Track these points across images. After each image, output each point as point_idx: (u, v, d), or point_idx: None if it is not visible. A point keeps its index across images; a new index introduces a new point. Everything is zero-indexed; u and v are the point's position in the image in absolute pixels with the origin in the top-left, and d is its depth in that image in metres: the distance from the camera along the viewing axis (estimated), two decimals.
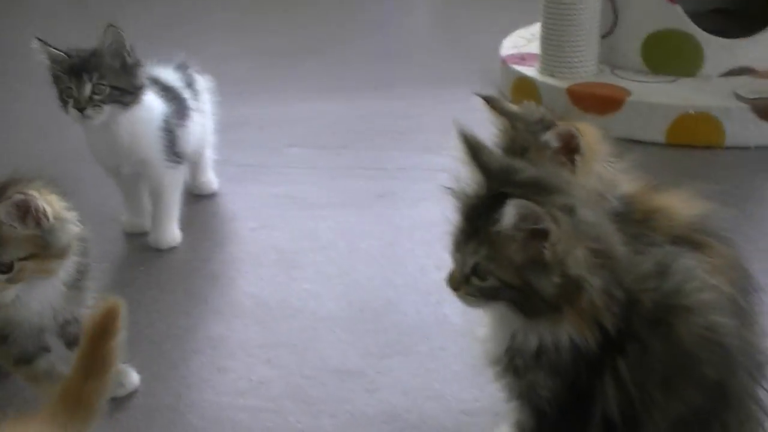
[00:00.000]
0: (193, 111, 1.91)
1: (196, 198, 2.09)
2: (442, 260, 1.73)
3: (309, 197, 2.08)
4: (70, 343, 1.35)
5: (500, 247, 0.96)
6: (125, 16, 3.63)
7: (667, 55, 2.45)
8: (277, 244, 1.88)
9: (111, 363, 1.00)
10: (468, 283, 1.01)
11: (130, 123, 1.73)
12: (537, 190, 0.97)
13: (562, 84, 2.43)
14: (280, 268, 1.79)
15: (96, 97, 1.67)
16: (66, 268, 1.26)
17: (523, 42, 2.84)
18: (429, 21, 3.98)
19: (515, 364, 1.02)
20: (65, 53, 1.68)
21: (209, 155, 2.09)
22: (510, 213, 0.93)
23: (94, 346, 1.00)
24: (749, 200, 2.00)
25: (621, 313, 0.95)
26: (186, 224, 1.94)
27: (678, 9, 2.39)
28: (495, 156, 1.06)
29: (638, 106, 2.30)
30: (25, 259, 1.20)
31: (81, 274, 1.30)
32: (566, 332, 0.95)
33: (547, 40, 2.51)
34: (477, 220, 1.00)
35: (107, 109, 1.68)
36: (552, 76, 2.49)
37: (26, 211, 1.18)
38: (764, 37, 2.42)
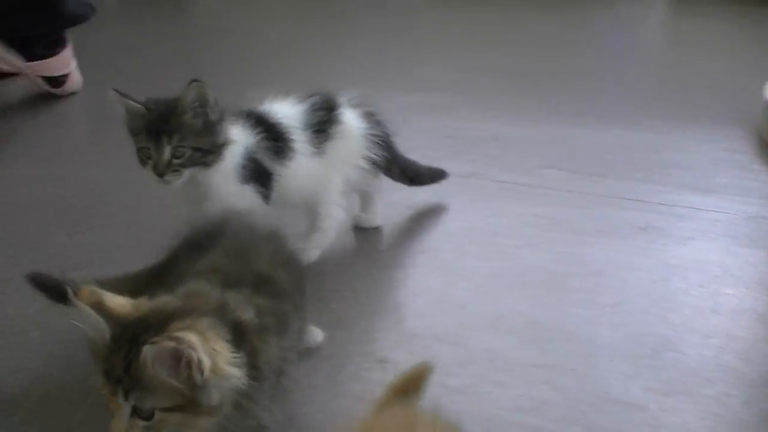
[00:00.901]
0: (298, 153, 1.74)
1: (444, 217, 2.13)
2: (718, 304, 1.72)
3: (570, 221, 2.08)
4: None
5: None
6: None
7: None
8: (544, 265, 1.88)
9: None
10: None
11: (212, 177, 1.65)
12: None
13: None
14: (549, 290, 1.80)
15: (176, 161, 1.58)
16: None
17: None
18: (673, 56, 3.89)
19: None
20: (144, 106, 1.58)
21: (373, 193, 2.00)
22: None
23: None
24: None
25: None
26: (446, 236, 1.98)
27: None
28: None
29: None
30: (169, 410, 1.04)
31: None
32: None
33: None
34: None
35: (187, 173, 1.60)
36: None
37: (178, 360, 1.00)
38: None
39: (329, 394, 1.46)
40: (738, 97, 2.91)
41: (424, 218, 2.10)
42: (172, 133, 1.56)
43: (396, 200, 2.11)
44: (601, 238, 2.00)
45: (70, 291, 1.07)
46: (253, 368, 1.09)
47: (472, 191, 2.23)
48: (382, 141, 1.89)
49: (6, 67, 2.79)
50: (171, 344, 0.98)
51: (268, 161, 1.71)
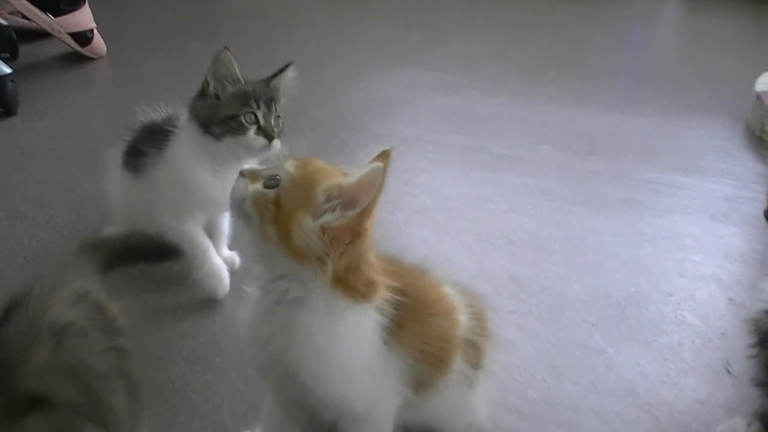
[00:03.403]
0: None
1: (441, 183, 2.29)
2: (684, 269, 1.87)
3: (557, 192, 2.23)
4: None
5: None
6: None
7: None
8: (529, 228, 2.04)
9: None
10: None
11: None
12: None
13: None
14: (531, 249, 1.95)
15: (277, 129, 1.61)
16: None
17: None
18: (677, 46, 4.05)
19: None
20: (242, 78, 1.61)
21: None
22: None
23: None
24: None
25: None
26: (440, 199, 2.14)
27: None
28: None
29: None
30: None
31: None
32: None
33: None
34: None
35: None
36: None
37: None
38: None
39: None
40: (733, 89, 3.04)
41: (421, 183, 2.25)
42: (276, 103, 1.61)
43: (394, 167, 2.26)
44: (585, 207, 2.15)
45: None
46: None
47: (469, 162, 2.39)
48: None
49: (40, 24, 2.98)
50: None
51: None
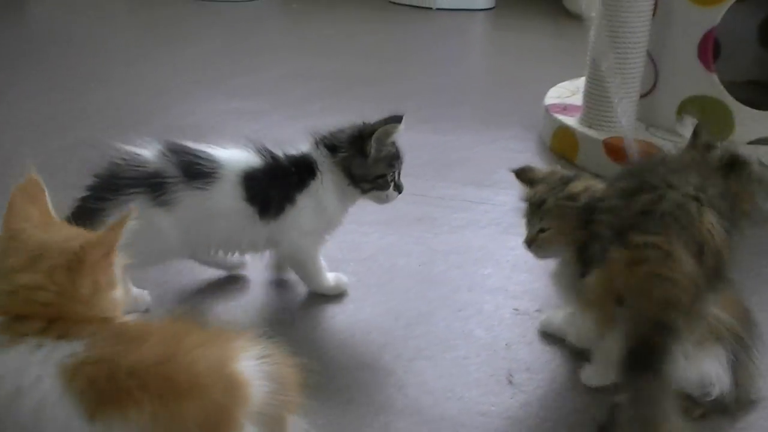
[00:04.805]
0: None
1: None
2: (474, 282, 1.93)
3: (352, 212, 2.24)
4: None
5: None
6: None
7: (700, 120, 2.61)
8: (325, 252, 2.05)
9: None
10: None
11: None
12: None
13: (599, 136, 2.60)
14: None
15: None
16: None
17: (567, 93, 3.02)
18: (484, 65, 4.20)
19: None
20: None
21: None
22: None
23: None
24: None
25: None
26: None
27: (714, 78, 2.55)
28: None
29: None
30: None
31: None
32: None
33: (589, 94, 2.69)
34: None
35: None
36: (590, 127, 2.66)
37: None
38: None
39: None
40: (530, 102, 3.15)
41: None
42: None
43: None
44: (379, 227, 2.19)
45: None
46: None
47: None
48: None
49: None
50: None
51: None
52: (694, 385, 1.46)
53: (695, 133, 1.63)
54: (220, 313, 1.82)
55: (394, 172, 1.84)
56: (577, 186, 1.58)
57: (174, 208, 1.67)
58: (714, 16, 2.53)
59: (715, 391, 1.46)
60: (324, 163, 1.81)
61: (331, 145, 1.82)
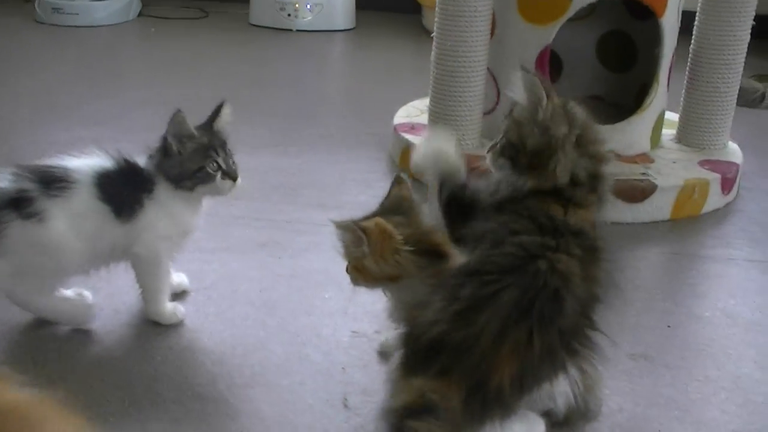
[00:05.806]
0: None
1: None
2: (313, 306, 1.93)
3: (195, 240, 2.21)
4: None
5: None
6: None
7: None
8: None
9: None
10: None
11: None
12: None
13: None
14: None
15: None
16: None
17: (416, 112, 3.06)
18: (340, 85, 4.22)
19: None
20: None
21: None
22: None
23: None
24: None
25: None
26: None
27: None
28: None
29: None
30: None
31: None
32: None
33: (434, 113, 2.74)
34: None
35: None
36: None
37: None
38: (624, 127, 2.68)
39: None
40: (381, 122, 3.18)
41: None
42: (227, 144, 1.89)
43: None
44: (222, 254, 2.17)
45: None
46: None
47: None
48: None
49: None
50: None
51: None
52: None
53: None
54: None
55: (214, 161, 1.81)
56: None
57: (45, 217, 1.71)
58: (548, 34, 2.61)
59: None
60: (152, 172, 1.83)
61: (149, 155, 1.85)
